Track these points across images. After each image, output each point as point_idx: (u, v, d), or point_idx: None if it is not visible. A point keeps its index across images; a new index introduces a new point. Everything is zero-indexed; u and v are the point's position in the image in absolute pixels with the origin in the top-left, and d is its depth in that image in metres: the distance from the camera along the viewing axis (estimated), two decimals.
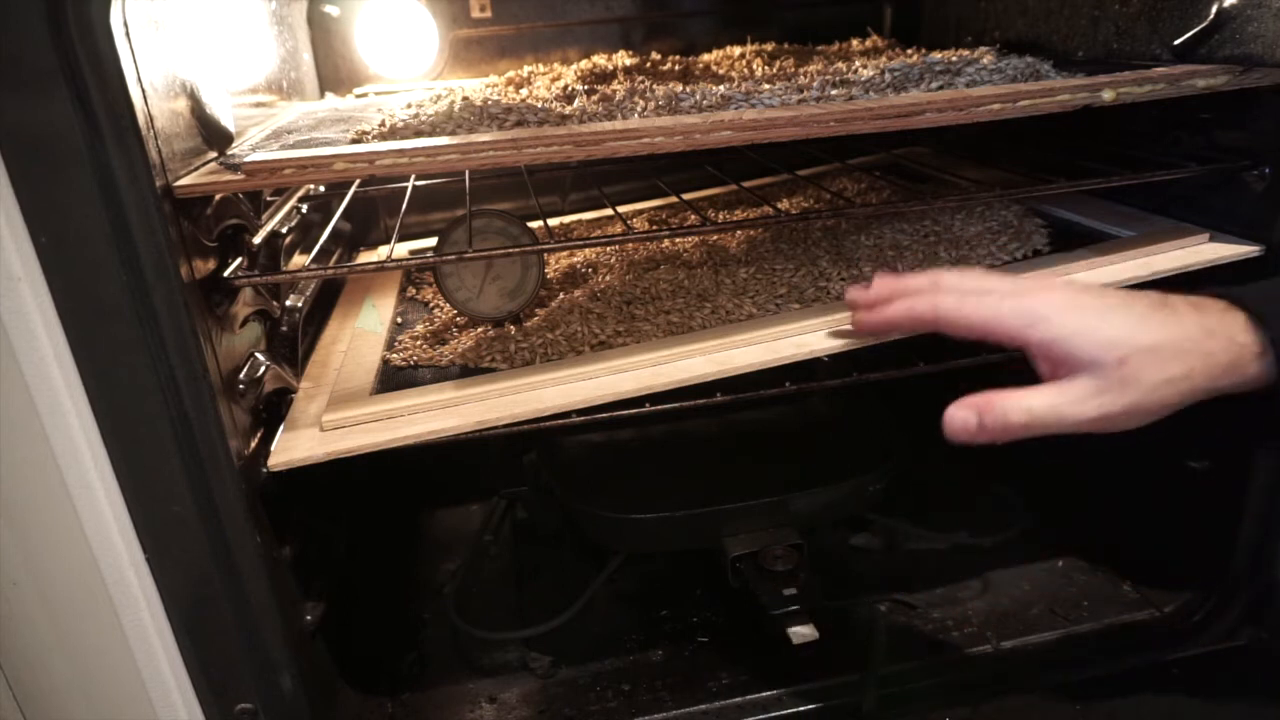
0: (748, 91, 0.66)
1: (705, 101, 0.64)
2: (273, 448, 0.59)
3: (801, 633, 0.69)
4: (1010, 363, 0.70)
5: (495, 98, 0.67)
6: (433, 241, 0.82)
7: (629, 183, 1.10)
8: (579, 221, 1.04)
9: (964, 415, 0.54)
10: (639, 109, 0.64)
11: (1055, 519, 0.89)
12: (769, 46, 1.05)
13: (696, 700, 0.70)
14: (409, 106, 0.68)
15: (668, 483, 0.84)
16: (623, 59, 0.97)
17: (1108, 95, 0.63)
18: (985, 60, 0.71)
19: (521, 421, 0.61)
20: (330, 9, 1.01)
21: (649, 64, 0.94)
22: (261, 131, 0.70)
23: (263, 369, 0.61)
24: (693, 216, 0.98)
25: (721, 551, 0.75)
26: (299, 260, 0.79)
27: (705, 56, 1.01)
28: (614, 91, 0.69)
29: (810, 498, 0.77)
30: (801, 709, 0.68)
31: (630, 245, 0.92)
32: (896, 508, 0.87)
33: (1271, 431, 0.57)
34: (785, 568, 0.71)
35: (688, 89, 0.68)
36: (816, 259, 0.80)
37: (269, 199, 0.71)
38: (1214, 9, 0.70)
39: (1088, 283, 0.56)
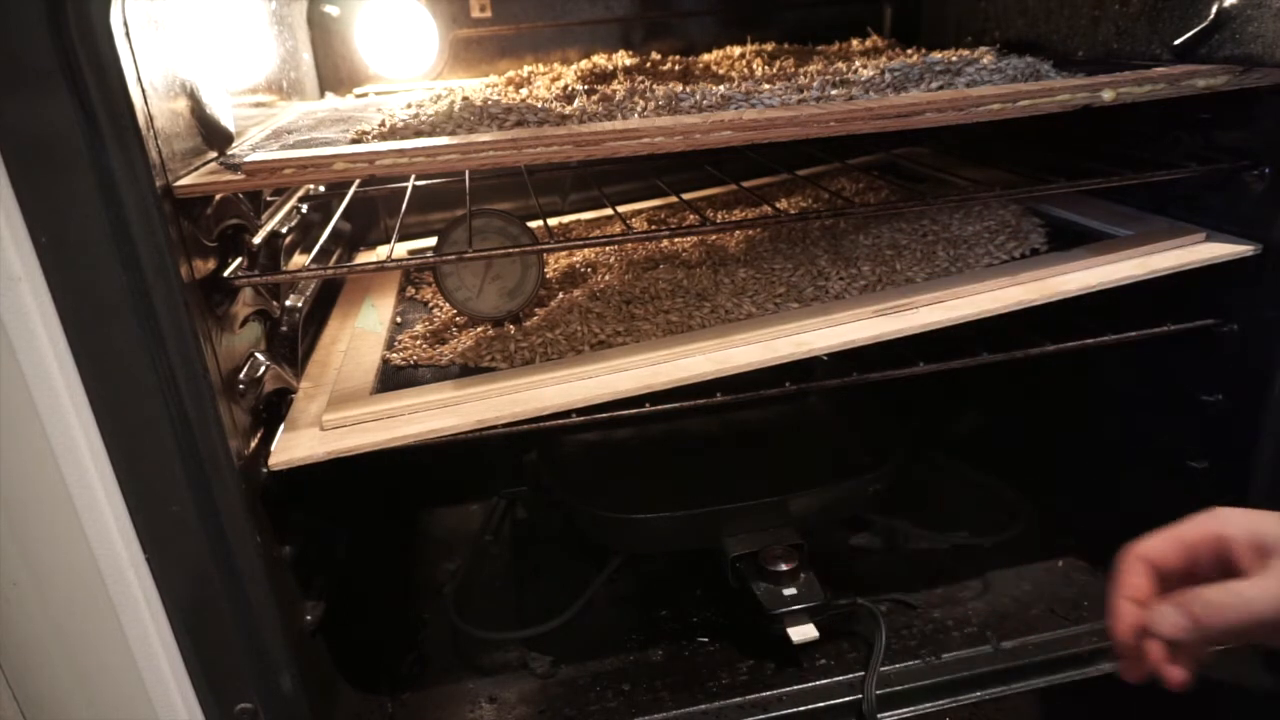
0: (748, 91, 0.66)
1: (705, 101, 0.64)
2: (273, 447, 0.59)
3: (802, 632, 0.69)
4: (1011, 362, 0.71)
5: (495, 98, 0.67)
6: (433, 241, 0.82)
7: (629, 183, 1.10)
8: (579, 221, 1.04)
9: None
10: (639, 109, 0.64)
11: (1055, 519, 0.89)
12: (769, 46, 1.05)
13: (696, 700, 0.70)
14: (409, 106, 0.68)
15: (668, 483, 0.84)
16: (623, 59, 0.97)
17: (1108, 95, 0.63)
18: (985, 60, 0.71)
19: (521, 421, 0.61)
20: (330, 9, 1.01)
21: (649, 64, 0.94)
22: (261, 131, 0.70)
23: (263, 369, 0.61)
24: (692, 216, 0.98)
25: (721, 551, 0.75)
26: (299, 260, 0.79)
27: (705, 56, 1.01)
28: (614, 91, 0.69)
29: (810, 498, 0.77)
30: (801, 709, 0.68)
31: (630, 245, 0.92)
32: (896, 508, 0.87)
33: None
34: (785, 568, 0.71)
35: (688, 89, 0.68)
36: (815, 258, 0.80)
37: (269, 199, 0.71)
38: (1214, 9, 0.70)
39: None
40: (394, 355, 0.74)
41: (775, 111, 0.60)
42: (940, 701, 0.68)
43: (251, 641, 0.57)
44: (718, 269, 0.81)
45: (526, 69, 0.98)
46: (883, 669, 0.70)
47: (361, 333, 0.79)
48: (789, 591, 0.70)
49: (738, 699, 0.69)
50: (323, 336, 0.80)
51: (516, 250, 0.72)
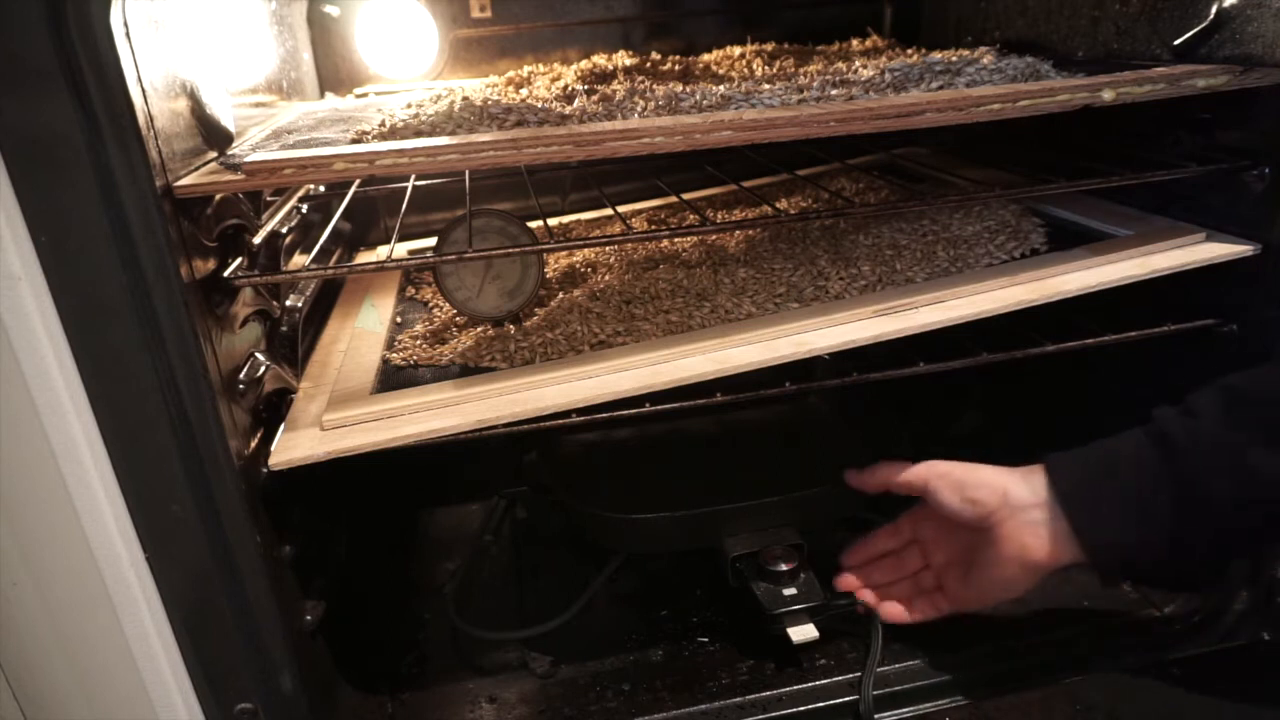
0: (748, 91, 0.66)
1: (705, 101, 0.64)
2: (273, 447, 0.59)
3: (802, 633, 0.69)
4: (1011, 362, 0.71)
5: (495, 98, 0.67)
6: (433, 241, 0.82)
7: (629, 183, 1.10)
8: (579, 221, 1.04)
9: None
10: (639, 109, 0.64)
11: None
12: (769, 46, 1.05)
13: (696, 700, 0.70)
14: (409, 106, 0.68)
15: (668, 483, 0.84)
16: (623, 59, 0.97)
17: (1108, 95, 0.63)
18: (985, 60, 0.71)
19: (521, 421, 0.61)
20: (330, 9, 1.01)
21: (649, 64, 0.94)
22: (261, 131, 0.70)
23: (263, 369, 0.61)
24: (692, 216, 0.98)
25: (721, 552, 0.75)
26: (299, 260, 0.79)
27: (705, 56, 1.01)
28: (614, 91, 0.69)
29: (810, 498, 0.77)
30: (801, 709, 0.68)
31: (630, 245, 0.92)
32: (896, 508, 0.87)
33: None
34: (785, 568, 0.71)
35: (688, 89, 0.68)
36: (815, 258, 0.80)
37: (269, 199, 0.71)
38: (1214, 9, 0.70)
39: None
40: (394, 355, 0.74)
41: (775, 111, 0.60)
42: (940, 701, 0.68)
43: (251, 641, 0.57)
44: (718, 269, 0.81)
45: (526, 69, 0.98)
46: (882, 669, 0.69)
47: (361, 333, 0.79)
48: (789, 591, 0.70)
49: (738, 699, 0.69)
50: (323, 336, 0.80)
51: (516, 250, 0.72)
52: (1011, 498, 0.62)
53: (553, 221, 1.02)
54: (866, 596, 0.72)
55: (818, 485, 0.78)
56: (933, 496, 0.67)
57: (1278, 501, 0.55)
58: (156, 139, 0.48)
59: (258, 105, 0.75)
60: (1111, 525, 0.59)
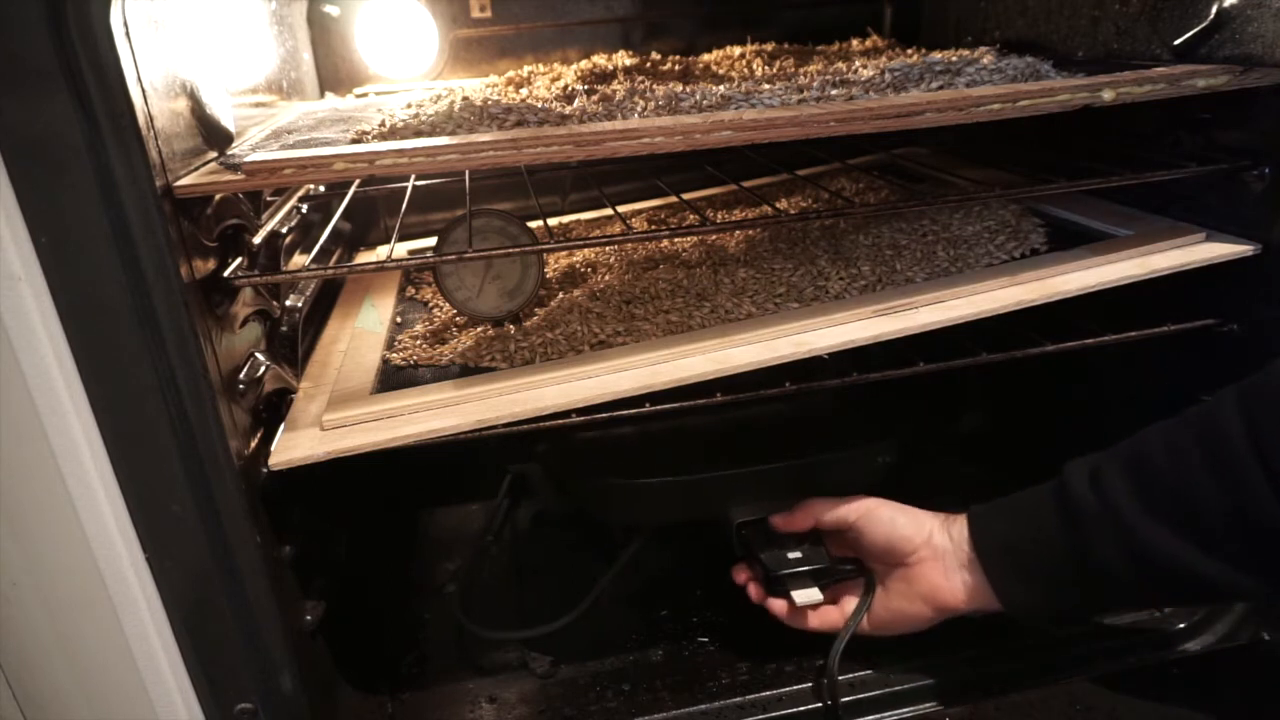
0: (748, 91, 0.66)
1: (705, 101, 0.64)
2: (273, 447, 0.59)
3: (806, 595, 0.68)
4: (1011, 362, 0.71)
5: (495, 98, 0.67)
6: (433, 241, 0.82)
7: (629, 183, 1.10)
8: (579, 221, 1.04)
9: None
10: (639, 109, 0.64)
11: None
12: (769, 46, 1.05)
13: (696, 700, 0.70)
14: (409, 106, 0.68)
15: (675, 455, 0.83)
16: (623, 59, 0.97)
17: (1108, 95, 0.63)
18: (985, 60, 0.71)
19: (521, 421, 0.61)
20: (330, 9, 1.01)
21: (649, 64, 0.94)
22: (261, 131, 0.70)
23: (263, 369, 0.61)
24: (692, 216, 0.98)
25: (727, 520, 0.74)
26: (299, 260, 0.79)
27: (705, 56, 1.01)
28: (614, 91, 0.69)
29: (817, 464, 0.76)
30: (801, 709, 0.68)
31: (630, 245, 0.92)
32: (917, 494, 0.87)
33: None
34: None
35: (688, 89, 0.68)
36: (815, 258, 0.80)
37: (269, 199, 0.71)
38: (1214, 9, 0.70)
39: None
40: (394, 355, 0.74)
41: (775, 111, 0.60)
42: (939, 702, 0.68)
43: (251, 641, 0.57)
44: (718, 269, 0.81)
45: (526, 69, 0.98)
46: (881, 670, 0.70)
47: (361, 333, 0.79)
48: (793, 555, 0.70)
49: (738, 699, 0.69)
50: (323, 336, 0.80)
51: (516, 250, 0.72)
52: (935, 541, 0.66)
53: (553, 221, 1.02)
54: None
55: (827, 452, 0.78)
56: (865, 529, 0.68)
57: (1183, 579, 0.55)
58: (156, 139, 0.48)
59: (258, 105, 0.75)
60: (1026, 588, 0.62)
